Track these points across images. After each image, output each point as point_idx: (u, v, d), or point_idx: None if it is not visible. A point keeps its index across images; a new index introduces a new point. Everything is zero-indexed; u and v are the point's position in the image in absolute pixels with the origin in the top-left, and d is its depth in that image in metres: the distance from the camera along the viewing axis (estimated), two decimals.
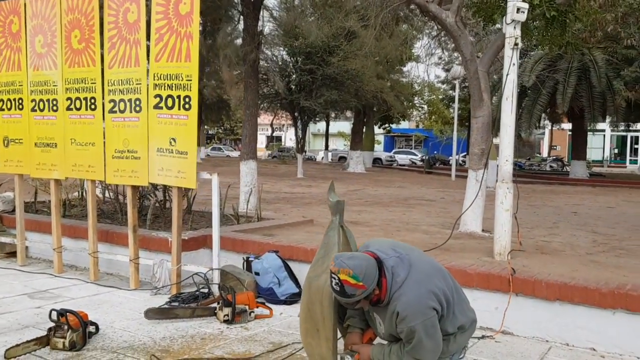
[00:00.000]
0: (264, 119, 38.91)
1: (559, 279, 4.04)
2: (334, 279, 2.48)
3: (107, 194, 7.50)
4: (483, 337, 4.05)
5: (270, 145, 53.92)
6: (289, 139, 55.16)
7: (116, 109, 5.19)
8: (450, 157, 25.61)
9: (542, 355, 3.73)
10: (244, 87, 8.76)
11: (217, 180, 4.93)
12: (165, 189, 6.63)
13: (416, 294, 2.52)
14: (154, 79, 4.87)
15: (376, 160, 34.84)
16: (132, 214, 5.21)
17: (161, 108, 4.87)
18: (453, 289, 2.70)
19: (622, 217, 9.19)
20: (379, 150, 42.75)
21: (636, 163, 36.53)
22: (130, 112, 5.09)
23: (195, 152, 4.83)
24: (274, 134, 55.68)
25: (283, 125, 50.51)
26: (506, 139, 5.02)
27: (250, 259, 5.16)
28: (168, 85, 4.79)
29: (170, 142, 4.84)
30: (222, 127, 57.65)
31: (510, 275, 4.12)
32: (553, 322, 3.97)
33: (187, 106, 4.71)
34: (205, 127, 44.56)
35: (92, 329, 3.83)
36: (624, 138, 45.75)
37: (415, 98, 36.02)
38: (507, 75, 4.96)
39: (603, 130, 40.23)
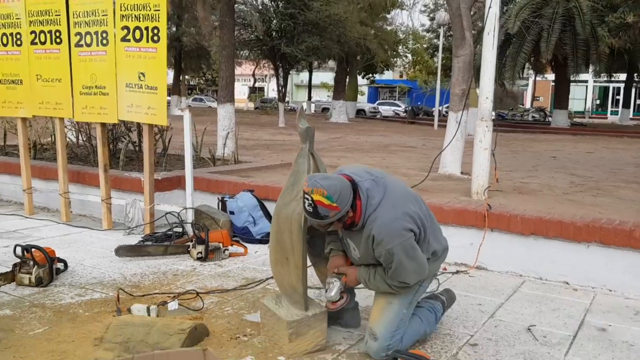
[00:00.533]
0: (246, 68, 38.04)
1: (534, 214, 4.02)
2: (307, 199, 2.38)
3: (80, 137, 7.30)
4: (457, 272, 4.05)
5: (252, 97, 53.05)
6: (271, 89, 54.27)
7: (82, 42, 4.96)
8: (434, 109, 25.44)
9: (515, 289, 3.73)
10: (219, 27, 8.46)
11: (188, 115, 4.78)
12: (140, 130, 6.44)
13: (391, 216, 2.45)
14: (121, 10, 4.63)
15: (359, 112, 34.51)
16: (102, 153, 5.06)
17: (129, 41, 4.64)
18: (427, 215, 2.63)
19: (601, 162, 9.22)
20: (363, 102, 42.31)
21: (617, 114, 36.62)
22: (97, 45, 4.86)
23: (165, 88, 4.65)
24: (256, 85, 54.76)
25: (265, 76, 49.57)
26: (487, 76, 4.89)
27: (225, 198, 5.06)
28: (135, 16, 4.55)
29: (139, 77, 4.64)
30: (204, 78, 56.47)
31: (485, 210, 4.09)
32: (527, 257, 3.97)
33: (155, 38, 4.50)
34: (186, 77, 43.56)
35: (60, 265, 3.74)
36: (606, 89, 45.77)
37: (400, 47, 35.46)
38: (489, 8, 4.79)
39: (586, 82, 40.16)
